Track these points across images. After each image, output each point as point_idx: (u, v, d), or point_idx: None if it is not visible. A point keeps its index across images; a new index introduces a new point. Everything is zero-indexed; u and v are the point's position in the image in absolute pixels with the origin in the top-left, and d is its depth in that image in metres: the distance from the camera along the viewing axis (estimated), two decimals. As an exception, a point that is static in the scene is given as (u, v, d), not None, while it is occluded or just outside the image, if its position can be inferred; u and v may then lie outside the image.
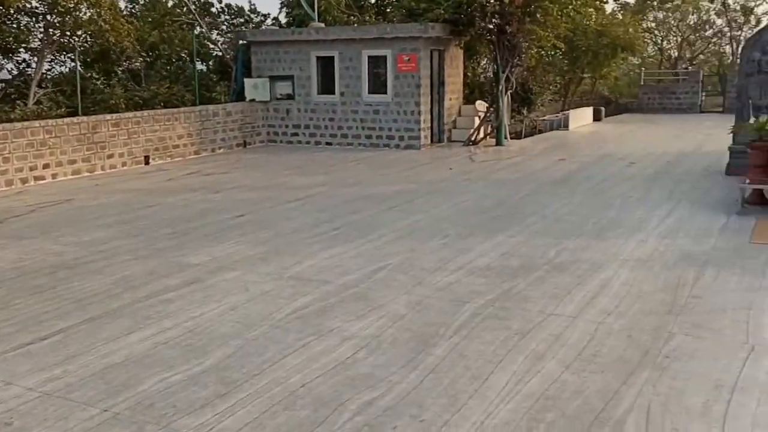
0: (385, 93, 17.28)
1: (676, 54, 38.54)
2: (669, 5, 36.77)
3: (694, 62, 37.86)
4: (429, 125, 17.65)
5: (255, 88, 18.30)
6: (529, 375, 4.55)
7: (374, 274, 6.85)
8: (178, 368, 4.73)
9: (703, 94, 32.09)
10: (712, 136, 19.36)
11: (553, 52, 21.60)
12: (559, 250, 7.60)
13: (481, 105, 18.91)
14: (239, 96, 18.58)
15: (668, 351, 4.88)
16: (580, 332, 5.25)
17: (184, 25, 22.06)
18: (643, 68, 33.80)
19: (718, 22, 37.82)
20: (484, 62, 21.36)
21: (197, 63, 21.30)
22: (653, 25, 37.68)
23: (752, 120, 11.04)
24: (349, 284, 6.52)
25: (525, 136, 19.99)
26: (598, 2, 23.97)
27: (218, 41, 22.84)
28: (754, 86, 11.97)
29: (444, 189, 11.67)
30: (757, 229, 8.30)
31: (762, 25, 29.31)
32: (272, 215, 9.72)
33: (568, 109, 24.62)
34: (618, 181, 12.29)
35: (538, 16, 17.32)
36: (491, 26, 17.31)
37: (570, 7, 18.35)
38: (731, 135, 12.39)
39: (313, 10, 19.12)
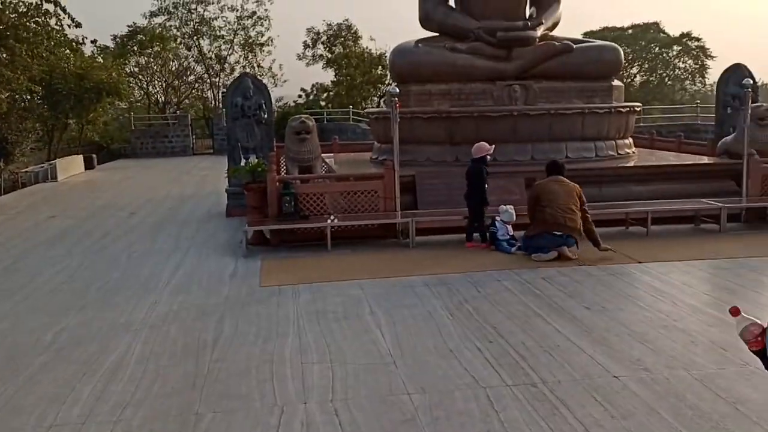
0: None
1: (164, 98, 39.50)
2: (150, 51, 37.45)
3: (181, 106, 39.37)
4: None
5: None
6: None
7: None
8: None
9: (194, 136, 33.51)
10: (208, 177, 20.00)
11: (29, 97, 19.33)
12: (58, 331, 6.30)
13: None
14: None
15: (199, 439, 4.20)
16: (92, 443, 4.17)
17: None
18: (132, 113, 33.47)
19: (198, 68, 40.19)
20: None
21: None
22: (137, 69, 37.85)
23: (243, 162, 11.44)
24: None
25: (5, 192, 17.42)
26: (74, 44, 22.57)
27: None
28: (241, 129, 12.48)
29: None
30: (264, 270, 8.39)
31: (238, 73, 32.03)
32: None
33: (55, 158, 22.51)
34: (120, 234, 11.35)
35: (4, 56, 15.17)
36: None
37: (42, 47, 16.64)
38: (227, 178, 12.71)
39: None
